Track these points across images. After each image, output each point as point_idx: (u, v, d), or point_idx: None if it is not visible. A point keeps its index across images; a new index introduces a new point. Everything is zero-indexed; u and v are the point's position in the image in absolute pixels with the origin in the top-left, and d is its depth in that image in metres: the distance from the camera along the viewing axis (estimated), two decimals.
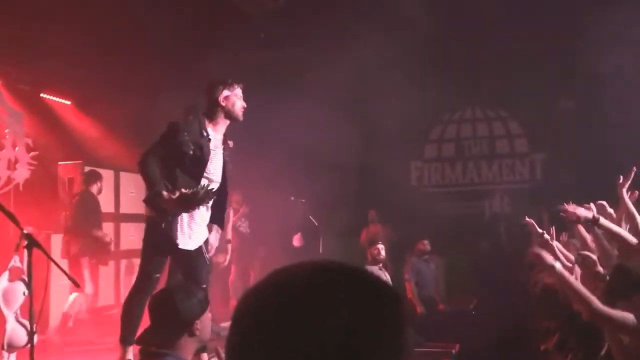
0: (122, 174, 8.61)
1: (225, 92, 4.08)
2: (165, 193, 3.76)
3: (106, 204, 7.71)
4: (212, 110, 4.09)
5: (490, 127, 10.36)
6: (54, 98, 9.02)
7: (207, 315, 2.71)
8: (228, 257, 7.42)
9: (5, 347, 3.96)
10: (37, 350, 3.22)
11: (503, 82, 9.23)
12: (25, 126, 8.39)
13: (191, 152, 3.95)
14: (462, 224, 9.37)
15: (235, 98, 4.11)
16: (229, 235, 7.56)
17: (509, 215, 9.65)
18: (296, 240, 8.62)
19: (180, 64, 7.72)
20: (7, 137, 8.12)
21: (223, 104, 4.07)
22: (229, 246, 7.49)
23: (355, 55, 8.05)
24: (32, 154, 8.40)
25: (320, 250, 8.24)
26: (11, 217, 3.19)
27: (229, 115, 4.11)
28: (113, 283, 8.13)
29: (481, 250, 9.18)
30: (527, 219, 5.37)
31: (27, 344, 3.39)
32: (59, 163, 8.10)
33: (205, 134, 4.04)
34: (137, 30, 7.46)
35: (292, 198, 8.22)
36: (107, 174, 8.12)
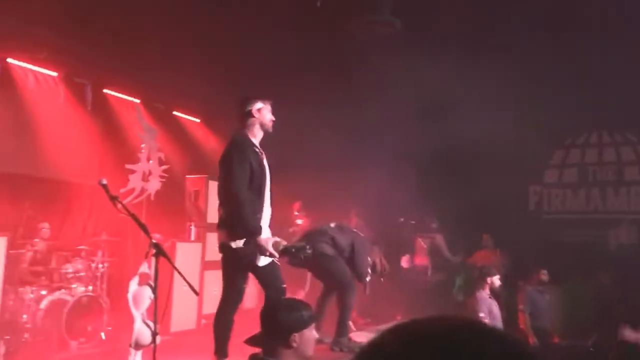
0: None
1: (258, 105, 4.31)
2: (263, 243, 3.97)
3: None
4: (249, 122, 4.30)
5: (618, 152, 9.76)
6: (185, 116, 9.75)
7: (310, 332, 2.81)
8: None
9: (133, 344, 4.36)
10: (159, 350, 3.52)
11: (633, 104, 8.67)
12: (159, 141, 9.15)
13: (254, 167, 4.15)
14: (583, 253, 8.86)
15: (266, 111, 4.33)
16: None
17: (638, 247, 9.02)
18: (404, 262, 8.61)
19: (298, 83, 8.05)
20: (142, 151, 8.89)
21: (256, 115, 4.30)
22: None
23: (472, 76, 7.97)
24: (163, 167, 9.13)
25: (429, 273, 8.18)
26: (143, 227, 3.54)
27: (262, 125, 4.32)
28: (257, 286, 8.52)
29: (603, 282, 8.62)
30: None
31: (151, 344, 3.71)
32: (187, 176, 8.67)
33: (256, 148, 4.26)
34: (260, 52, 7.90)
35: (402, 219, 8.25)
36: None
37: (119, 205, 3.55)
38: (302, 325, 2.76)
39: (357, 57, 8.04)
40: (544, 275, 7.76)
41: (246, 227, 4.02)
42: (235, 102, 4.50)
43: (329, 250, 5.32)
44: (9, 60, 7.07)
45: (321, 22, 7.29)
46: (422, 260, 8.65)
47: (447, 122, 8.45)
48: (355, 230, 5.85)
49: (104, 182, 3.55)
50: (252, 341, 2.82)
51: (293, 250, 4.11)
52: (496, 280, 6.43)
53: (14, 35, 6.89)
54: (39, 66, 7.37)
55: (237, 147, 4.21)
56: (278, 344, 2.73)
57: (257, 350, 2.87)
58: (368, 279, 5.48)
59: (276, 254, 4.04)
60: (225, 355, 4.14)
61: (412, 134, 8.72)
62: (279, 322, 2.73)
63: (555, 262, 8.00)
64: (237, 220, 4.03)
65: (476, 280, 6.75)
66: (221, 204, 4.25)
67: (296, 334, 2.71)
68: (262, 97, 4.40)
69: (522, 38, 7.19)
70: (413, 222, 8.28)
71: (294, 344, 2.71)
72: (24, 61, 7.21)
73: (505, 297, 7.22)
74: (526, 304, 7.47)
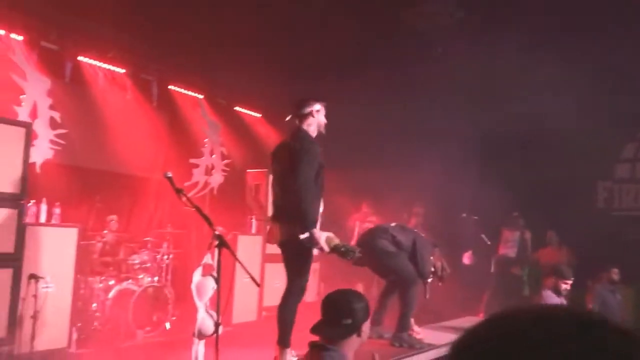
0: None
1: (317, 106, 4.45)
2: (317, 235, 4.08)
3: None
4: (309, 122, 4.43)
5: None
6: (246, 111, 9.89)
7: (368, 322, 2.94)
8: None
9: (196, 334, 4.46)
10: (221, 340, 3.58)
11: None
12: (221, 136, 9.33)
13: (321, 164, 4.27)
14: None
15: (321, 112, 4.49)
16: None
17: None
18: (466, 258, 8.43)
19: (359, 78, 8.01)
20: (205, 145, 9.09)
21: (315, 116, 4.43)
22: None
23: (535, 67, 7.71)
24: (225, 161, 9.31)
25: (492, 270, 7.98)
26: (206, 219, 3.60)
27: (319, 126, 4.46)
28: (317, 280, 8.64)
29: None
30: None
31: (214, 334, 3.78)
32: (248, 170, 8.80)
33: (317, 145, 4.38)
34: (320, 48, 7.90)
35: (464, 215, 8.09)
36: None
37: (184, 198, 3.62)
38: (368, 314, 2.91)
39: (418, 48, 7.93)
40: (615, 274, 7.45)
41: (307, 219, 4.11)
42: (292, 101, 4.61)
43: (389, 247, 5.30)
44: (80, 58, 7.36)
45: (382, 14, 7.23)
46: (506, 250, 8.70)
47: (512, 114, 8.22)
48: (415, 230, 5.82)
49: (169, 174, 3.62)
50: (317, 330, 2.90)
51: (342, 249, 4.15)
52: (562, 284, 6.11)
53: (85, 35, 7.20)
54: (108, 64, 7.65)
55: (308, 142, 4.32)
56: (347, 333, 2.80)
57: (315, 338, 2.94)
58: (430, 279, 5.40)
59: (326, 248, 4.11)
60: (288, 345, 4.18)
61: (475, 128, 8.53)
62: (356, 311, 2.81)
63: (626, 261, 7.66)
64: (299, 211, 4.12)
65: (543, 278, 6.53)
66: (283, 195, 4.32)
67: (364, 323, 2.84)
68: (319, 99, 4.54)
69: (592, 22, 6.89)
70: (476, 217, 8.10)
71: (363, 334, 2.83)
72: (94, 59, 7.50)
73: (572, 296, 6.95)
74: (596, 303, 7.18)
